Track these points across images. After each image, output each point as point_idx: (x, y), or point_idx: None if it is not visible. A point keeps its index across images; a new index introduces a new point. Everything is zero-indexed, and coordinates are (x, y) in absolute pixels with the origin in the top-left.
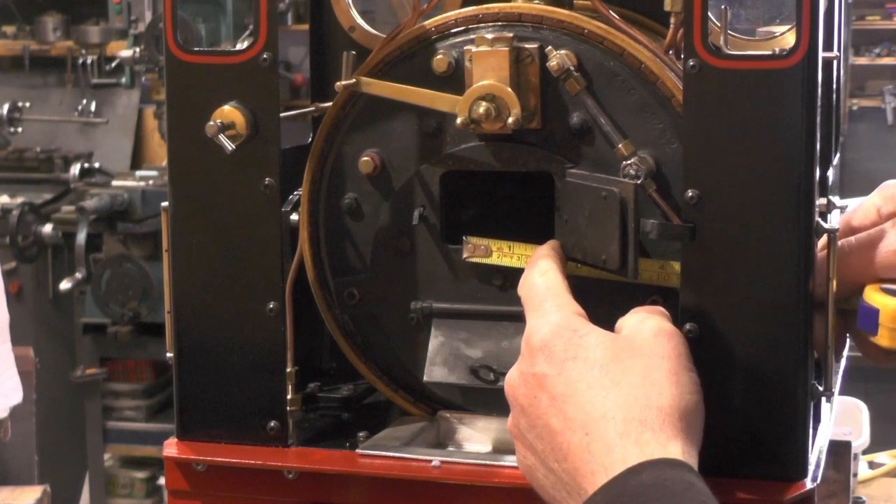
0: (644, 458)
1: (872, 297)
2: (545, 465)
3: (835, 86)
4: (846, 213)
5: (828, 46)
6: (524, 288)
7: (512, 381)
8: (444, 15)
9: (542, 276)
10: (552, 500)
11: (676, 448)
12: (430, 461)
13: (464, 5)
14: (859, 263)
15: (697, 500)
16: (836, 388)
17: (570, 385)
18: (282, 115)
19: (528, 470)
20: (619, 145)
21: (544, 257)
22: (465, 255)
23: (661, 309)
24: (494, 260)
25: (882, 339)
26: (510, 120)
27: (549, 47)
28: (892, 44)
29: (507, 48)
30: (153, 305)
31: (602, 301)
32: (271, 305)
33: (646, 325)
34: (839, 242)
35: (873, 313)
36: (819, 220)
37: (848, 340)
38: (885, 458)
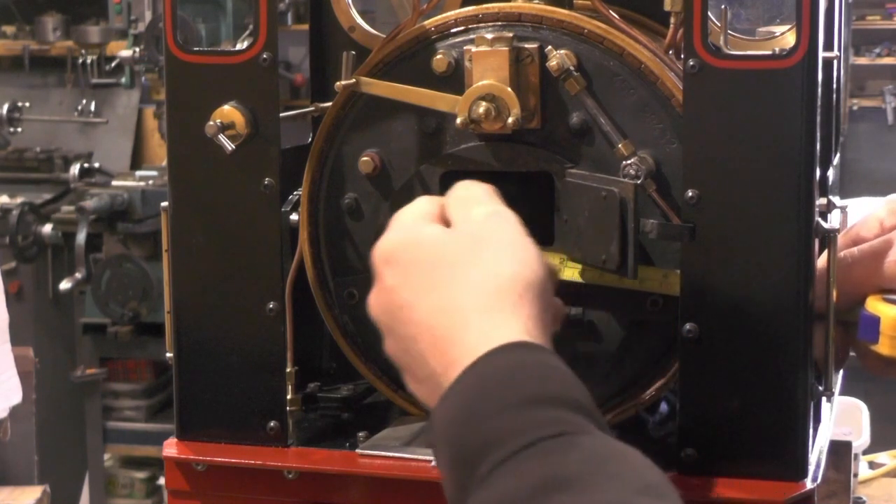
0: (490, 346)
1: (874, 306)
2: (416, 377)
3: (835, 86)
4: (850, 224)
5: (828, 46)
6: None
7: (371, 304)
8: (444, 15)
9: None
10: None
11: (519, 327)
12: (430, 461)
13: (464, 5)
14: (862, 274)
15: (545, 377)
16: (836, 388)
17: (413, 290)
18: (282, 115)
19: (414, 391)
20: (619, 145)
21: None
22: None
23: (484, 186)
24: None
25: (883, 347)
26: (510, 120)
27: (549, 47)
28: (892, 44)
29: (506, 48)
30: (153, 305)
31: (602, 302)
32: (271, 305)
33: (475, 211)
34: (842, 254)
35: (874, 322)
36: (819, 220)
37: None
38: (886, 458)
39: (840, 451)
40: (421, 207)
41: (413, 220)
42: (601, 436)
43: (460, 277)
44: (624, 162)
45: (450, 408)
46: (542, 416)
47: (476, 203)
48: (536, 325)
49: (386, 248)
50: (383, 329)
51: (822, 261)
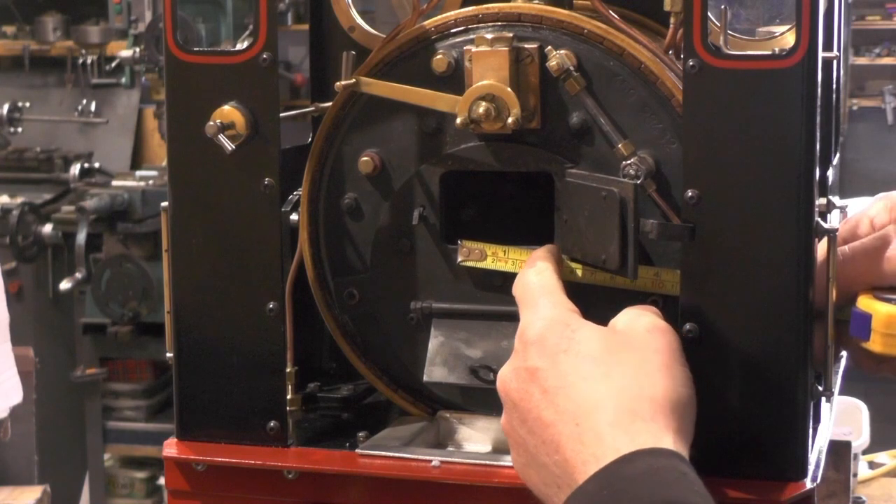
0: (635, 448)
1: (865, 303)
2: (537, 461)
3: (835, 86)
4: (844, 222)
5: (828, 46)
6: (519, 286)
7: (504, 377)
8: (444, 15)
9: (537, 276)
10: (545, 497)
11: (668, 439)
12: (430, 461)
13: (464, 5)
14: (854, 272)
15: (690, 489)
16: (836, 388)
17: (561, 377)
18: (282, 115)
19: (522, 468)
20: (619, 145)
21: (541, 258)
22: (459, 260)
23: (654, 308)
24: (489, 264)
25: (874, 344)
26: (510, 120)
27: (549, 47)
28: (892, 44)
29: (506, 48)
30: (153, 305)
31: (602, 302)
32: (271, 305)
33: (639, 321)
34: None
35: (866, 319)
36: (819, 220)
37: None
38: (885, 458)
39: (840, 451)
40: (564, 299)
41: (566, 311)
42: None
43: (614, 378)
44: (624, 162)
45: (587, 500)
46: None
47: (642, 313)
48: (682, 440)
49: (539, 330)
50: (509, 406)
51: (819, 259)
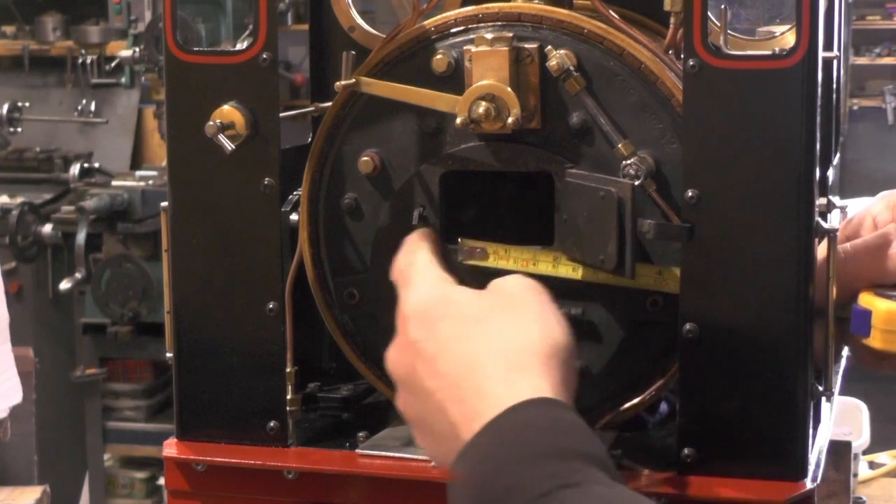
0: (517, 399)
1: (866, 300)
2: (432, 432)
3: (835, 86)
4: (846, 220)
5: (828, 46)
6: (394, 272)
7: (390, 357)
8: (444, 15)
9: (408, 255)
10: (447, 466)
11: (546, 386)
12: (430, 461)
13: (463, 5)
14: (855, 270)
15: (567, 431)
16: (836, 388)
17: (440, 343)
18: (282, 115)
19: (422, 443)
20: (619, 145)
21: (412, 241)
22: (460, 259)
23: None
24: (490, 263)
25: (874, 340)
26: (510, 120)
27: (549, 47)
28: (892, 44)
29: (506, 48)
30: (153, 305)
31: (602, 301)
32: (271, 305)
33: (508, 280)
34: None
35: (866, 315)
36: (819, 220)
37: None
38: (886, 458)
39: (840, 451)
40: (437, 272)
41: (439, 281)
42: (617, 486)
43: (490, 335)
44: (624, 162)
45: (474, 455)
46: (562, 468)
47: (511, 276)
48: (562, 385)
49: (414, 304)
50: (399, 384)
51: (819, 258)
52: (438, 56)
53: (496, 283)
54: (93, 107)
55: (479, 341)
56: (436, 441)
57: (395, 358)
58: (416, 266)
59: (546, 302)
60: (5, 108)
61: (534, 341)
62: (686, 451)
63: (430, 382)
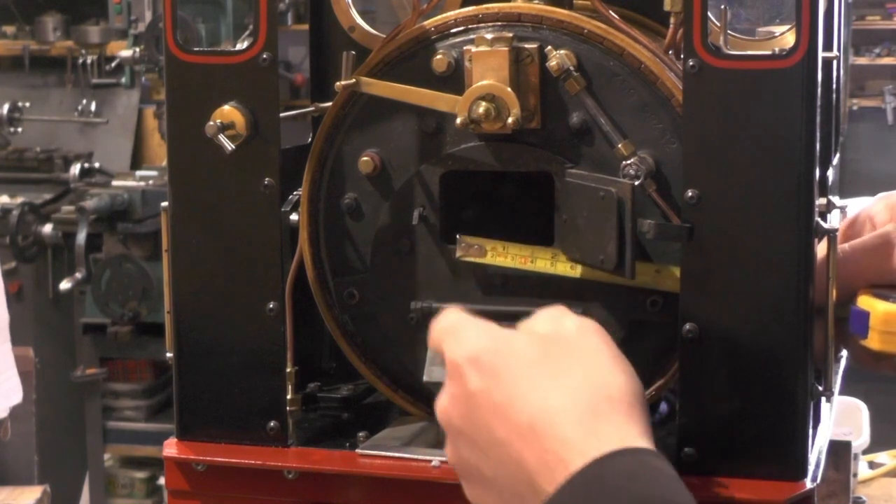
0: (606, 449)
1: (864, 300)
2: (497, 484)
3: (835, 86)
4: (845, 221)
5: (828, 46)
6: (433, 331)
7: (444, 407)
8: (444, 15)
9: (447, 315)
10: None
11: (634, 434)
12: (430, 461)
13: (464, 5)
14: (854, 270)
15: (668, 485)
16: (836, 388)
17: (508, 391)
18: (282, 115)
19: (478, 498)
20: (619, 145)
21: (445, 311)
22: (458, 255)
23: (563, 307)
24: (489, 259)
25: (872, 342)
26: (510, 120)
27: (549, 47)
28: (892, 44)
29: (506, 48)
30: (153, 305)
31: (602, 301)
32: (271, 305)
33: (564, 322)
34: None
35: (864, 316)
36: (819, 220)
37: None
38: (885, 458)
39: (840, 451)
40: (482, 321)
41: (489, 327)
42: None
43: (566, 380)
44: (624, 162)
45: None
46: None
47: (560, 314)
48: (646, 433)
49: (469, 352)
50: (454, 436)
51: (819, 258)
52: (438, 56)
53: (552, 327)
54: (93, 107)
55: (554, 388)
56: (502, 494)
57: (450, 409)
58: (459, 319)
59: (612, 344)
60: (5, 108)
61: (610, 386)
62: (686, 450)
63: (501, 433)
